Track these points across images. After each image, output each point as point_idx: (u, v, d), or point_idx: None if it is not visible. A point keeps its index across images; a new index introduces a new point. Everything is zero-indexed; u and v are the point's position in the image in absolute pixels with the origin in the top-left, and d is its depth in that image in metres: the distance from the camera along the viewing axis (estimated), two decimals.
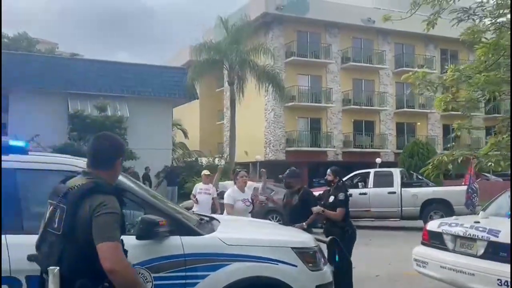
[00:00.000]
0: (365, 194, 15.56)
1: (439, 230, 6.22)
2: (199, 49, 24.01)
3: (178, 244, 3.61)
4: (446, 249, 6.05)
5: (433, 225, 6.44)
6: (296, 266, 3.95)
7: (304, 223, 6.16)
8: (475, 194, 14.15)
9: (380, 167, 22.52)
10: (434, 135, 35.13)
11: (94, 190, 2.38)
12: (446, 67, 5.57)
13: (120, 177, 3.85)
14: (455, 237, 5.95)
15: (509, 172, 12.33)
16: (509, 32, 4.44)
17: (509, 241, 5.31)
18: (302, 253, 4.05)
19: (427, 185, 15.89)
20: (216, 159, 27.91)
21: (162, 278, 3.52)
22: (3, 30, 64.77)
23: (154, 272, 3.50)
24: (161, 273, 3.52)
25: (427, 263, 6.19)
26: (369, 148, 33.10)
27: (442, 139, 34.63)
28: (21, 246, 3.19)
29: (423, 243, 6.52)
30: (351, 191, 15.54)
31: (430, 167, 4.27)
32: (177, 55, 42.48)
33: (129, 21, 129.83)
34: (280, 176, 6.89)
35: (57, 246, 2.37)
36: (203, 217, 4.53)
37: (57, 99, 23.33)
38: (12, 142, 3.45)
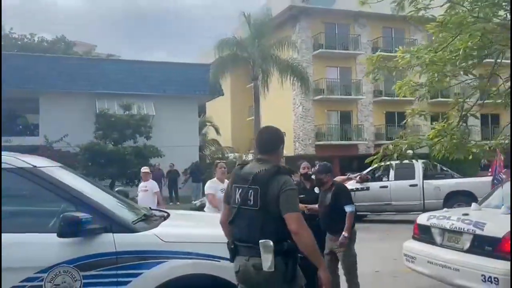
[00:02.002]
0: (386, 187, 15.11)
1: (428, 223, 5.90)
2: (221, 45, 23.96)
3: (110, 241, 3.51)
4: (434, 243, 5.74)
5: (422, 218, 6.11)
6: None
7: (344, 233, 5.39)
8: (501, 185, 13.47)
9: (413, 158, 21.84)
10: (471, 124, 33.78)
11: (278, 172, 3.07)
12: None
13: (53, 170, 3.81)
14: (443, 230, 5.62)
15: None
16: (459, 11, 4.09)
17: (494, 234, 4.97)
18: None
19: (452, 177, 15.27)
20: (244, 155, 27.88)
21: (92, 277, 3.43)
22: (43, 34, 66.81)
23: (84, 271, 3.42)
24: (91, 272, 3.43)
25: (415, 258, 5.88)
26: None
27: (480, 128, 33.29)
28: None
29: (413, 237, 6.21)
30: (371, 184, 15.26)
31: (376, 158, 3.95)
32: (208, 52, 42.64)
33: (166, 20, 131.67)
34: (310, 172, 6.18)
35: (257, 219, 3.03)
36: (153, 212, 4.41)
37: (85, 100, 23.90)
38: None
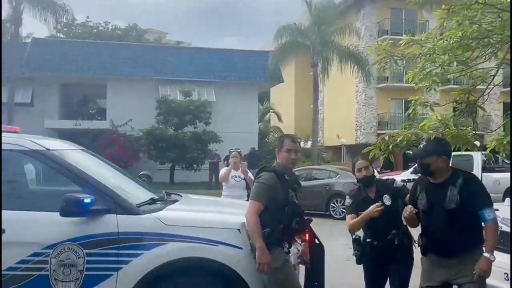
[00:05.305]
0: None
1: None
2: (281, 31, 23.87)
3: (112, 222, 3.69)
4: None
5: None
6: (241, 248, 3.84)
7: (489, 255, 3.39)
8: None
9: (478, 150, 20.87)
10: (488, 114, 31.47)
11: (261, 170, 3.95)
12: None
13: (66, 153, 4.04)
14: None
15: None
16: None
17: None
18: None
19: None
20: (303, 143, 27.77)
21: (94, 255, 3.63)
22: (117, 22, 69.42)
23: (87, 249, 3.62)
24: (93, 250, 3.63)
25: None
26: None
27: (502, 117, 30.93)
28: None
29: None
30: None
31: (375, 148, 3.78)
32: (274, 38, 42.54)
33: (236, 6, 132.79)
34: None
35: None
36: (165, 196, 4.57)
37: (149, 86, 24.78)
38: None
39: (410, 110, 4.28)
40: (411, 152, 3.90)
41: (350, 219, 4.22)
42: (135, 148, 22.55)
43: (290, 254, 4.03)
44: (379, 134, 30.23)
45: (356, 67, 23.92)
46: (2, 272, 3.51)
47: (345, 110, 31.36)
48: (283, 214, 3.80)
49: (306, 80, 38.08)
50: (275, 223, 3.76)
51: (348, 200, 4.33)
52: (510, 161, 10.78)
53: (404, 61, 4.76)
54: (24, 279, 3.53)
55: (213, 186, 21.79)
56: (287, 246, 3.86)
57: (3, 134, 3.89)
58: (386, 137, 3.84)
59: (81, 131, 23.09)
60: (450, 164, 3.78)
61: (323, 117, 34.22)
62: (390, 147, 3.72)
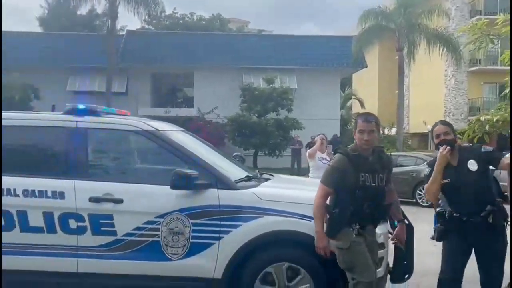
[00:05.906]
0: None
1: None
2: (366, 15, 23.47)
3: (214, 195, 4.04)
4: None
5: None
6: None
7: None
8: None
9: None
10: None
11: (335, 151, 3.92)
12: None
13: (172, 134, 4.46)
14: None
15: None
16: None
17: None
18: None
19: None
20: (387, 130, 27.26)
21: (199, 225, 4.01)
22: (201, 13, 71.18)
23: (193, 219, 4.01)
24: (198, 220, 4.01)
25: None
26: None
27: None
28: (85, 190, 4.01)
29: None
30: None
31: (469, 129, 3.69)
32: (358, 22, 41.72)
33: None
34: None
35: None
36: (258, 175, 4.88)
37: (233, 74, 25.46)
38: (81, 106, 4.23)
39: (506, 90, 4.17)
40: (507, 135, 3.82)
41: None
42: (221, 135, 23.31)
43: (379, 233, 4.14)
44: (470, 121, 28.93)
45: (445, 50, 23.02)
46: (121, 237, 4.00)
47: (433, 95, 30.27)
48: (354, 197, 3.64)
49: (390, 65, 37.07)
50: (345, 205, 3.66)
51: (427, 169, 3.95)
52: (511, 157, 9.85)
53: (499, 42, 4.62)
54: (139, 244, 4.00)
55: (295, 172, 22.07)
56: (357, 228, 3.70)
57: (118, 116, 4.39)
58: (482, 118, 3.81)
59: (171, 119, 24.09)
60: None
61: (409, 103, 33.26)
62: (487, 127, 3.67)
